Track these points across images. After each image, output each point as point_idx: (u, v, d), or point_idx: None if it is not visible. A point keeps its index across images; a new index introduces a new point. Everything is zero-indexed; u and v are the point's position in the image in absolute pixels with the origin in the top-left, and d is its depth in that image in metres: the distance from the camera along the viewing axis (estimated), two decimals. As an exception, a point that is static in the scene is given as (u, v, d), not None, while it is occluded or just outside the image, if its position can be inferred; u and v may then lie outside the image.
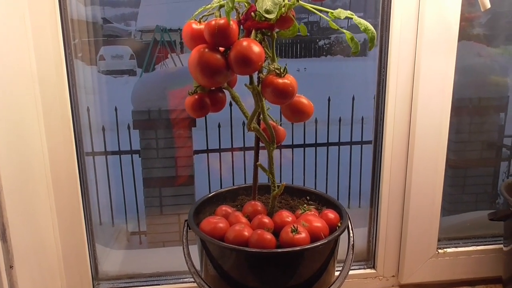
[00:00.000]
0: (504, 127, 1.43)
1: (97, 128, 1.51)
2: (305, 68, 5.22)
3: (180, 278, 1.04)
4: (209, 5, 0.66)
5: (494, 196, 1.47)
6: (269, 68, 0.65)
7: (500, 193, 1.02)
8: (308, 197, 0.87)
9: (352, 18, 0.65)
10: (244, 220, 0.74)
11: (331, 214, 0.77)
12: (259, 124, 0.74)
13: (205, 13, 0.67)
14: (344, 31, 0.66)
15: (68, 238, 0.95)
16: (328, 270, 0.73)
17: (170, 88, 1.81)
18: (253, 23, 0.64)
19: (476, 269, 1.09)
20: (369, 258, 1.09)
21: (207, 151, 2.03)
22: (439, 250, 1.07)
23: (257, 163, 0.76)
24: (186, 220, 0.77)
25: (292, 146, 2.16)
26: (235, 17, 0.66)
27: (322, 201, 0.85)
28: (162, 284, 1.03)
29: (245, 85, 0.67)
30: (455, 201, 1.51)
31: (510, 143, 1.47)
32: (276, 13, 0.61)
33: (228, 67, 0.63)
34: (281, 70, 0.65)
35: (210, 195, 0.85)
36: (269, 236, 0.69)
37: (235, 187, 0.89)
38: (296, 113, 0.71)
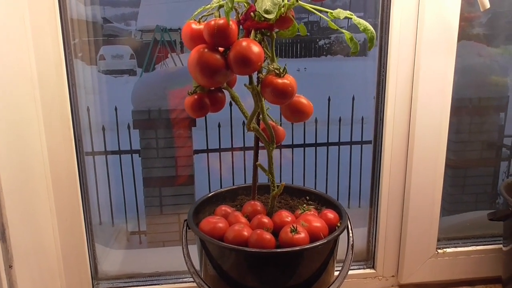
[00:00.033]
0: (504, 127, 1.43)
1: (97, 127, 1.52)
2: (305, 68, 5.23)
3: (180, 278, 1.04)
4: (209, 5, 0.66)
5: (494, 196, 1.47)
6: (269, 68, 0.65)
7: (500, 193, 1.02)
8: (307, 197, 0.87)
9: (351, 18, 0.65)
10: (243, 220, 0.74)
11: (331, 214, 0.77)
12: (258, 124, 0.74)
13: (204, 13, 0.67)
14: (344, 31, 0.66)
15: (67, 238, 0.95)
16: (328, 270, 0.73)
17: (170, 88, 1.81)
18: (252, 23, 0.64)
19: (476, 269, 1.09)
20: (368, 258, 1.09)
21: (207, 151, 2.03)
22: (439, 250, 1.07)
23: (257, 163, 0.76)
24: (185, 220, 0.77)
25: (292, 146, 2.16)
26: (235, 17, 0.66)
27: (321, 201, 0.85)
28: (162, 284, 1.03)
29: (245, 85, 0.67)
30: (455, 201, 1.51)
31: (510, 143, 1.47)
32: (275, 13, 0.61)
33: (228, 67, 0.63)
34: (281, 70, 0.65)
35: (209, 195, 0.85)
36: (268, 236, 0.69)
37: (234, 187, 0.89)
38: (296, 113, 0.71)
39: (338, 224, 0.76)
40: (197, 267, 0.76)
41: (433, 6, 0.90)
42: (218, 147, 2.03)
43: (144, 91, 1.88)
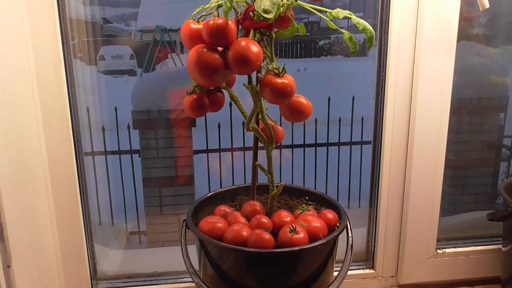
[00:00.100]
0: (503, 127, 1.43)
1: (97, 128, 1.52)
2: (305, 68, 5.23)
3: (179, 278, 1.04)
4: (207, 5, 0.66)
5: (494, 197, 1.47)
6: (268, 68, 0.65)
7: (499, 194, 1.02)
8: (306, 197, 0.87)
9: (350, 18, 0.65)
10: (242, 220, 0.74)
11: (330, 214, 0.77)
12: (258, 124, 0.74)
13: (203, 13, 0.67)
14: (343, 31, 0.66)
15: (66, 238, 0.95)
16: (327, 270, 0.73)
17: (170, 88, 1.81)
18: (251, 23, 0.64)
19: (475, 269, 1.08)
20: (368, 258, 1.09)
21: (207, 151, 2.03)
22: (438, 251, 1.07)
23: (256, 163, 0.76)
24: (184, 220, 0.77)
25: (292, 146, 2.16)
26: (234, 17, 0.66)
27: (321, 201, 0.85)
28: (161, 284, 1.03)
29: (244, 85, 0.67)
30: (454, 201, 1.51)
31: (510, 143, 1.47)
32: (274, 12, 0.61)
33: (227, 67, 0.63)
34: (280, 70, 0.65)
35: (209, 195, 0.85)
36: (267, 236, 0.68)
37: (234, 187, 0.89)
38: (295, 113, 0.71)
39: (338, 224, 0.75)
40: (196, 267, 0.76)
41: (432, 6, 0.90)
42: (218, 147, 2.03)
43: (144, 91, 1.88)
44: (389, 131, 0.98)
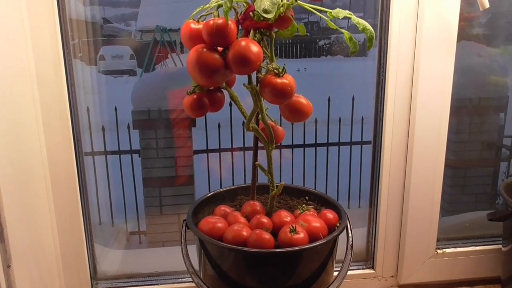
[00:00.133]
0: (503, 127, 1.43)
1: (97, 128, 1.52)
2: (305, 68, 5.23)
3: (179, 278, 1.04)
4: (207, 5, 0.66)
5: (494, 197, 1.47)
6: (268, 68, 0.65)
7: (499, 194, 1.02)
8: (306, 197, 0.87)
9: (350, 18, 0.65)
10: (242, 220, 0.74)
11: (330, 214, 0.77)
12: (258, 124, 0.74)
13: (203, 13, 0.67)
14: (343, 30, 0.66)
15: (66, 238, 0.95)
16: (327, 270, 0.73)
17: (170, 88, 1.81)
18: (251, 22, 0.64)
19: (475, 269, 1.08)
20: (368, 258, 1.09)
21: (207, 151, 2.03)
22: (438, 251, 1.07)
23: (256, 163, 0.76)
24: (184, 220, 0.77)
25: (292, 146, 2.16)
26: (234, 16, 0.66)
27: (321, 201, 0.85)
28: (161, 284, 1.03)
29: (244, 85, 0.67)
30: (454, 201, 1.51)
31: (510, 143, 1.47)
32: (274, 12, 0.61)
33: (227, 67, 0.63)
34: (280, 70, 0.65)
35: (209, 195, 0.85)
36: (267, 236, 0.68)
37: (234, 187, 0.89)
38: (295, 113, 0.71)
39: (338, 224, 0.75)
40: (196, 267, 0.76)
41: (432, 6, 0.90)
42: (218, 147, 2.03)
43: (144, 91, 1.88)
44: (389, 131, 0.98)
